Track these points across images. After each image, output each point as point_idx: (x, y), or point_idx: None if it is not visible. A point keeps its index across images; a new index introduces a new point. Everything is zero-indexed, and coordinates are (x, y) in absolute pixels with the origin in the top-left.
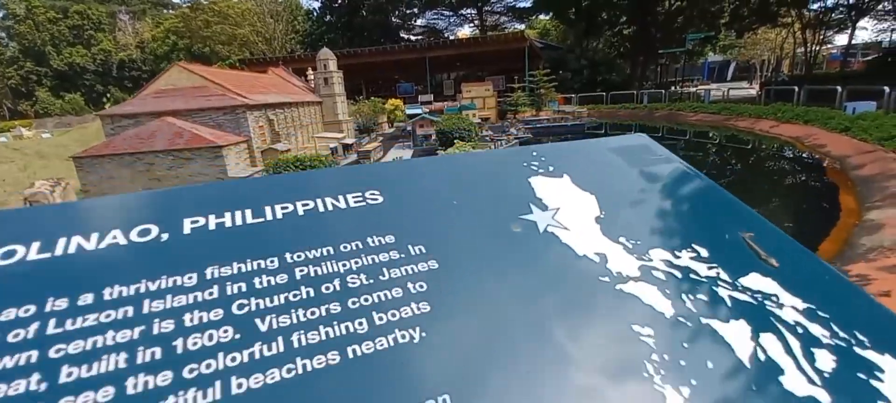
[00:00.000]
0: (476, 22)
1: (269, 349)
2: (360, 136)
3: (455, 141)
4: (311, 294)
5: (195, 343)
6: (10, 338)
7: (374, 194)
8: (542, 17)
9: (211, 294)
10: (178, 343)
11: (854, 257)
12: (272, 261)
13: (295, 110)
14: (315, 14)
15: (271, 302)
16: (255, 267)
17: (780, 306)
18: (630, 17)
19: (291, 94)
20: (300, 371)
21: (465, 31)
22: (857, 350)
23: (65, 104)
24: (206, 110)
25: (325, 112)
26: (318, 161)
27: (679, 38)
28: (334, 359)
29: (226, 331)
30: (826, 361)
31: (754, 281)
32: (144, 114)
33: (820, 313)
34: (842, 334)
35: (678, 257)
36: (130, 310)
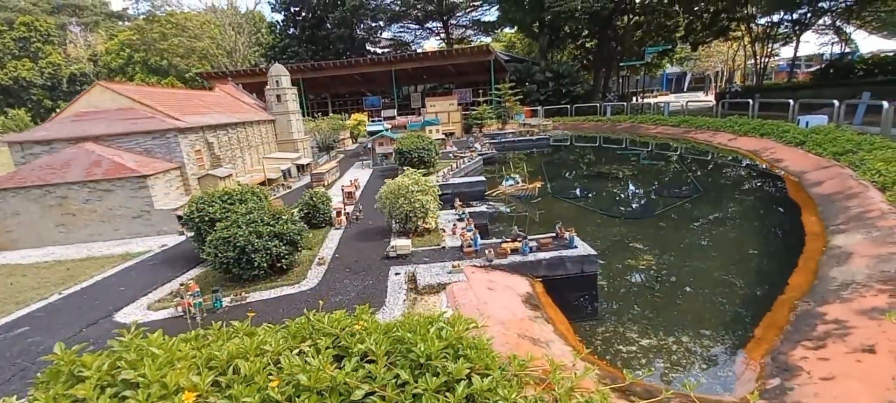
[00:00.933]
0: (442, 35)
1: None
2: (319, 155)
3: (406, 167)
4: None
5: None
6: None
7: None
8: (507, 30)
9: None
10: None
11: (827, 295)
12: None
13: (242, 130)
14: (278, 27)
15: None
16: None
17: None
18: (591, 30)
19: (238, 113)
20: None
21: (432, 44)
22: None
23: (7, 121)
24: (132, 134)
25: (278, 131)
26: (252, 193)
27: (639, 52)
28: None
29: None
30: None
31: None
32: (60, 140)
33: None
34: None
35: None
36: None
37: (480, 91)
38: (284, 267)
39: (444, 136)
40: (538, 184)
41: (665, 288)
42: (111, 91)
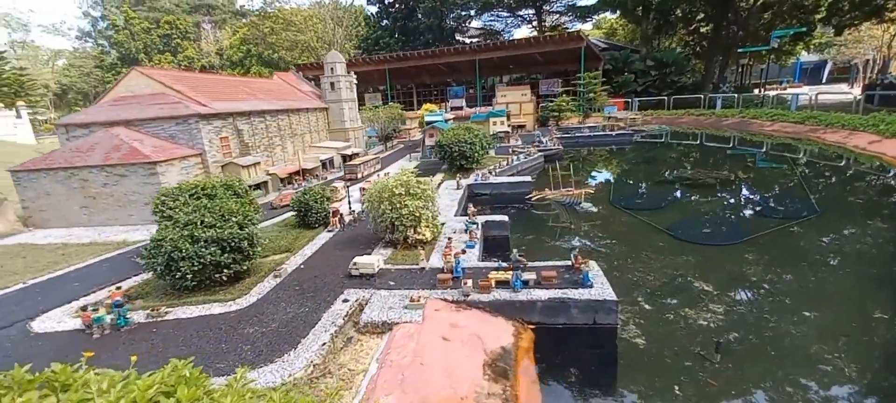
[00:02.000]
0: (534, 23)
1: None
2: (376, 145)
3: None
4: None
5: None
6: None
7: None
8: (608, 15)
9: None
10: None
11: None
12: None
13: (284, 118)
14: (372, 18)
15: None
16: None
17: None
18: (707, 13)
19: (284, 101)
20: None
21: (523, 32)
22: None
23: None
24: (158, 120)
25: (331, 119)
26: (225, 187)
27: (764, 37)
28: None
29: None
30: None
31: None
32: (96, 124)
33: None
34: None
35: None
36: None
37: (570, 81)
38: (227, 277)
39: (508, 129)
40: (588, 191)
41: (731, 359)
42: (145, 76)
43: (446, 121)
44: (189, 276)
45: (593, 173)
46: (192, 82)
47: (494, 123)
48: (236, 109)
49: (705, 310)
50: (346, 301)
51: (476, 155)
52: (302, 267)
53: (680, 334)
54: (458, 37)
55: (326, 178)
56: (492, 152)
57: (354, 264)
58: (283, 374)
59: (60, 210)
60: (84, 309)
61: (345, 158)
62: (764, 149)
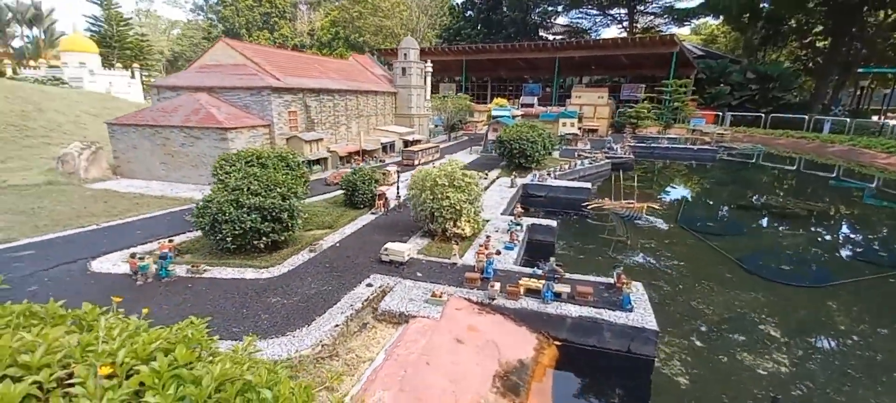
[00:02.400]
0: (625, 23)
1: None
2: (441, 134)
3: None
4: None
5: None
6: None
7: None
8: (710, 20)
9: None
10: None
11: None
12: None
13: (352, 98)
14: (457, 8)
15: None
16: None
17: None
18: (827, 25)
19: (354, 82)
20: None
21: (612, 33)
22: None
23: None
24: (236, 89)
25: (399, 104)
26: (279, 158)
27: (892, 58)
28: None
29: None
30: None
31: None
32: (183, 88)
33: None
34: None
35: None
36: None
37: (655, 87)
38: (265, 245)
39: (577, 132)
40: (652, 206)
41: None
42: (230, 47)
43: (513, 117)
44: (229, 239)
45: (666, 189)
46: (271, 57)
47: (564, 124)
48: (306, 86)
49: (767, 358)
50: (369, 285)
51: (536, 154)
52: (337, 245)
53: (732, 380)
54: (541, 33)
55: (384, 162)
56: (556, 154)
57: (386, 250)
58: (292, 349)
59: (144, 163)
60: (133, 256)
61: (406, 143)
62: (874, 185)
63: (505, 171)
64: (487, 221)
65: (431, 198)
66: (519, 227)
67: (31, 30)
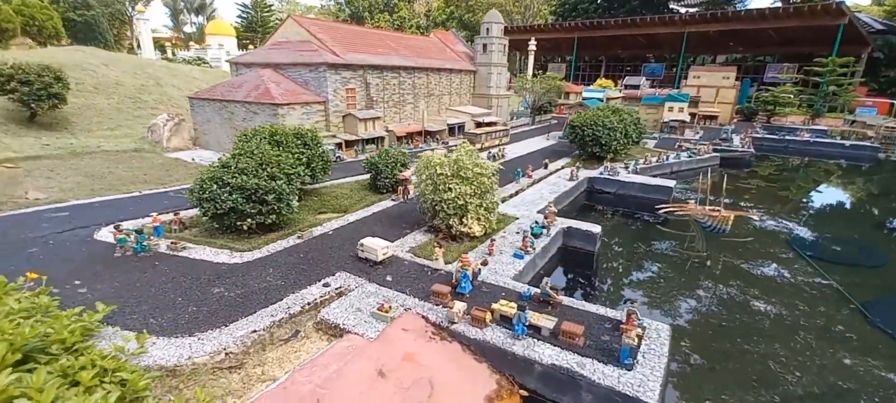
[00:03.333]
0: None
1: None
2: (524, 117)
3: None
4: None
5: None
6: None
7: None
8: None
9: None
10: None
11: None
12: None
13: (421, 76)
14: None
15: None
16: None
17: None
18: None
19: (427, 59)
20: None
21: (765, 2)
22: None
23: None
24: (297, 65)
25: (477, 83)
26: (298, 135)
27: None
28: None
29: None
30: None
31: None
32: (255, 64)
33: None
34: None
35: None
36: None
37: (805, 67)
38: (248, 227)
39: (685, 118)
40: (741, 214)
41: None
42: (298, 24)
43: (608, 100)
44: (208, 217)
45: (793, 193)
46: (336, 33)
47: (670, 109)
48: (368, 62)
49: None
50: (326, 285)
51: (613, 143)
52: (330, 233)
53: None
54: (672, 5)
55: (447, 143)
56: (651, 143)
57: (361, 245)
58: (190, 353)
59: (215, 135)
60: (117, 228)
61: (478, 125)
62: None
63: (575, 161)
64: (516, 219)
65: (432, 189)
66: (543, 232)
67: (197, 17)
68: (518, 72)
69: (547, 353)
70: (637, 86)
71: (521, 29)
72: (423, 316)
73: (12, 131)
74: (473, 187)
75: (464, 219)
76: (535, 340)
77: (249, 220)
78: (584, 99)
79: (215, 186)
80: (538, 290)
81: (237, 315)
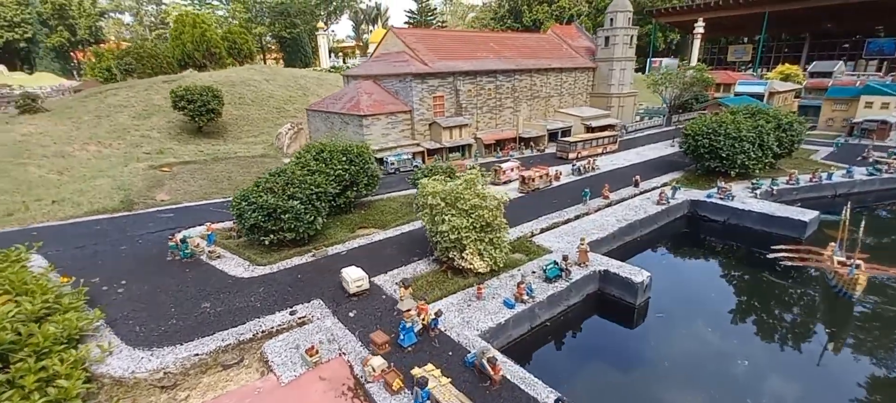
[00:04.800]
0: None
1: None
2: (658, 117)
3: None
4: None
5: None
6: None
7: None
8: None
9: None
10: None
11: None
12: None
13: (521, 78)
14: None
15: None
16: None
17: None
18: None
19: (534, 59)
20: None
21: None
22: None
23: None
24: (390, 76)
25: (597, 81)
26: (344, 151)
27: None
28: None
29: None
30: None
31: None
32: (360, 76)
33: None
34: None
35: None
36: None
37: None
38: (272, 242)
39: (886, 119)
40: (882, 270)
41: None
42: (395, 35)
43: (764, 97)
44: (236, 233)
45: None
46: (431, 41)
47: (868, 105)
48: (459, 69)
49: None
50: (292, 313)
51: (738, 157)
52: (343, 252)
53: None
54: None
55: (543, 151)
56: (819, 156)
57: (341, 274)
58: (136, 367)
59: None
60: (172, 235)
61: (588, 129)
62: None
63: (687, 177)
64: (549, 253)
65: (429, 220)
66: (561, 275)
67: (373, 26)
68: (685, 61)
69: None
70: (829, 74)
71: (685, 9)
72: (350, 365)
73: (183, 140)
74: (471, 220)
75: (464, 255)
76: None
77: (271, 236)
78: (735, 94)
79: (243, 204)
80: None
81: (199, 334)
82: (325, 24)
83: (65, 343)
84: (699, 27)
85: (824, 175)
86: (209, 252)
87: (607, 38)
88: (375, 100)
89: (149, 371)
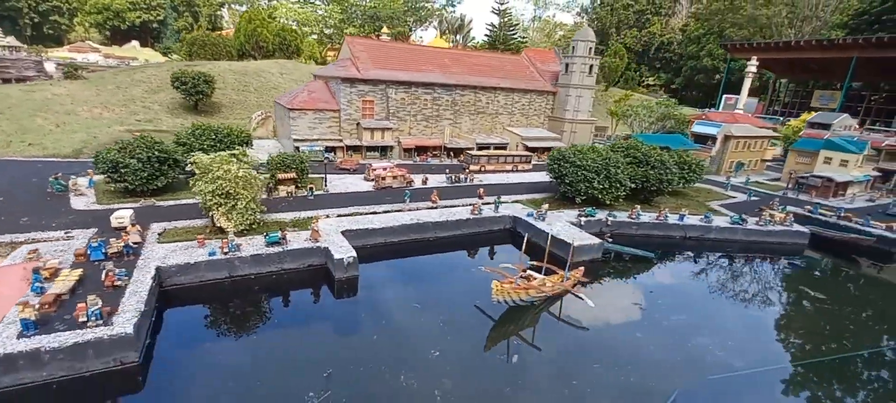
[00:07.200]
0: None
1: None
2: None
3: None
4: None
5: None
6: None
7: None
8: None
9: None
10: None
11: None
12: None
13: (464, 93)
14: None
15: None
16: None
17: None
18: None
19: (476, 77)
20: None
21: None
22: None
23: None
24: (334, 78)
25: (556, 105)
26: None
27: None
28: None
29: None
30: None
31: None
32: (320, 77)
33: None
34: None
35: None
36: None
37: None
38: (133, 189)
39: (831, 178)
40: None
41: None
42: (347, 43)
43: (717, 139)
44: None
45: None
46: (377, 52)
47: (827, 161)
48: (392, 78)
49: None
50: (69, 235)
51: (581, 185)
52: (164, 207)
53: None
54: None
55: (463, 162)
56: (731, 202)
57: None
58: None
59: (282, 129)
60: (55, 175)
61: (529, 149)
62: None
63: (547, 200)
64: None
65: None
66: (276, 242)
67: (456, 37)
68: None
69: None
70: (827, 126)
71: (760, 46)
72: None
73: (177, 114)
74: (213, 188)
75: (213, 214)
76: None
77: (115, 184)
78: (692, 133)
79: (99, 157)
80: None
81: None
82: (411, 30)
83: None
84: (751, 65)
85: (675, 216)
86: (73, 188)
87: (567, 65)
88: (311, 97)
89: None
